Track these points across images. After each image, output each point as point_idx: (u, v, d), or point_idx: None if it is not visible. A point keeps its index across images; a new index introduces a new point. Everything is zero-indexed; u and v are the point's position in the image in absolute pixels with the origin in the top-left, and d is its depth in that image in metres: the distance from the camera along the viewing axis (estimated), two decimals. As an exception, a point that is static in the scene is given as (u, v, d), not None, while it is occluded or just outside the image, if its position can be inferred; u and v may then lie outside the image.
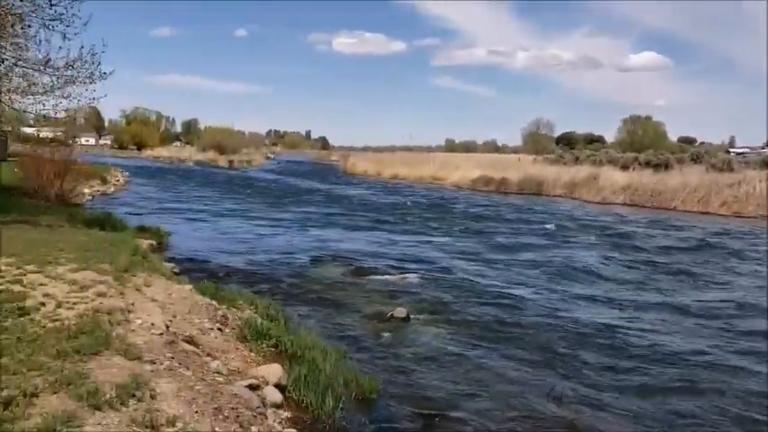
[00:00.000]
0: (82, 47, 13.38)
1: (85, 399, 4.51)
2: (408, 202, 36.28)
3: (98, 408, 4.47)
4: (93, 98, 14.18)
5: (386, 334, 9.95)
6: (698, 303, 12.89)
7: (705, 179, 37.30)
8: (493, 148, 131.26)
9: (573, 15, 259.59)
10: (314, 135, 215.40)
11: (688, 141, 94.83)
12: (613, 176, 42.31)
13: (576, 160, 54.54)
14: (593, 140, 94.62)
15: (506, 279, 14.67)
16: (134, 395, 4.81)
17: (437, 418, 6.88)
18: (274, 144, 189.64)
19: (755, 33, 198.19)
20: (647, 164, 46.15)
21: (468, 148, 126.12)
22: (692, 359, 9.30)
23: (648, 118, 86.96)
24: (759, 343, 10.20)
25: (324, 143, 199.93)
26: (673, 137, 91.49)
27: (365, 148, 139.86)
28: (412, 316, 10.85)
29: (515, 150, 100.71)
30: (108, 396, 4.63)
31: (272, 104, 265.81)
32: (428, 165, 62.25)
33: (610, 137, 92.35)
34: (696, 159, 47.59)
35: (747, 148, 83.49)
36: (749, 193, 33.69)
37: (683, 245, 21.46)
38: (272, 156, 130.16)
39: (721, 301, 13.18)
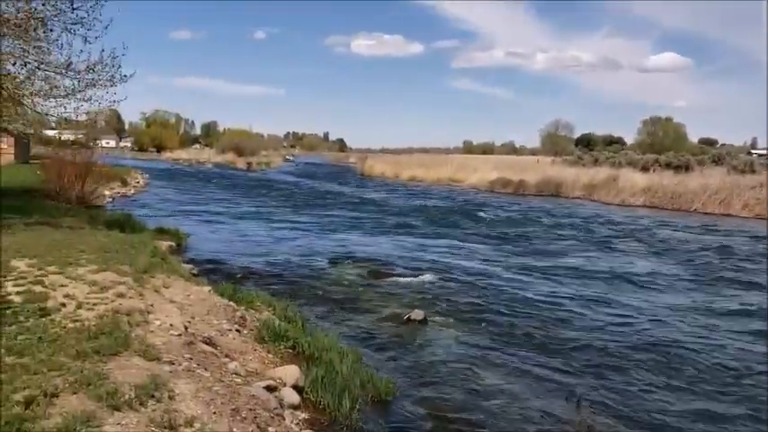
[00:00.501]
0: (103, 50, 13.57)
1: (105, 399, 4.54)
2: (427, 205, 36.19)
3: (117, 408, 4.50)
4: (114, 101, 14.37)
5: (403, 336, 9.94)
6: (740, 308, 12.70)
7: (726, 181, 36.85)
8: (511, 149, 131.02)
9: (592, 16, 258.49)
10: (332, 137, 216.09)
11: (709, 143, 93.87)
12: (633, 178, 41.91)
13: (596, 162, 54.21)
14: (613, 142, 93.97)
15: (529, 284, 14.56)
16: (153, 396, 4.85)
17: (453, 422, 6.86)
18: (292, 146, 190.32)
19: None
20: (668, 165, 45.80)
21: (486, 149, 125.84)
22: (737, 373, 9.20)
23: (669, 119, 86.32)
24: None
25: (341, 145, 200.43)
26: (693, 138, 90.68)
27: (383, 150, 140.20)
28: (430, 319, 10.83)
29: (533, 152, 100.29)
30: (127, 396, 4.67)
31: (290, 106, 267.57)
32: (446, 167, 62.03)
33: (630, 138, 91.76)
34: (717, 161, 47.19)
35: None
36: (772, 195, 33.21)
37: (718, 247, 21.19)
38: (291, 158, 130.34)
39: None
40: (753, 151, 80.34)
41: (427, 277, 14.37)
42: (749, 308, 12.73)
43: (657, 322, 11.37)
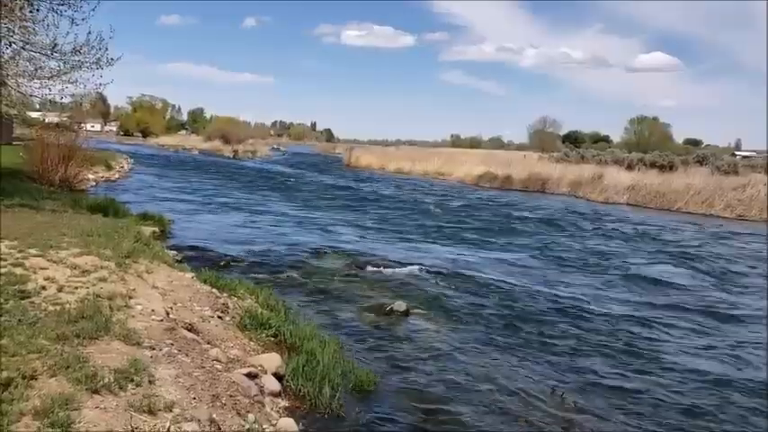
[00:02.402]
0: (89, 32, 13.37)
1: (84, 382, 4.53)
2: (412, 198, 36.25)
3: (96, 391, 4.49)
4: (100, 84, 14.18)
5: (385, 327, 9.97)
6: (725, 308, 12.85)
7: (710, 181, 37.24)
8: (498, 144, 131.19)
9: (583, 14, 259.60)
10: (319, 127, 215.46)
11: (694, 143, 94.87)
12: (618, 176, 42.24)
13: (582, 159, 54.54)
14: (600, 140, 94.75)
15: (512, 276, 14.61)
16: (132, 380, 4.84)
17: (433, 412, 6.91)
18: (279, 135, 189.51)
19: (765, 35, 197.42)
20: (652, 165, 46.12)
21: (474, 144, 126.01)
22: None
23: (655, 119, 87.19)
24: None
25: (329, 135, 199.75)
26: (679, 138, 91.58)
27: (370, 142, 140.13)
28: (412, 310, 10.86)
29: (521, 148, 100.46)
30: (106, 380, 4.66)
31: (278, 95, 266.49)
32: (432, 160, 62.12)
33: (616, 137, 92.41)
34: (701, 161, 47.59)
35: (754, 151, 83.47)
36: (753, 196, 33.61)
37: (699, 243, 21.41)
38: (281, 148, 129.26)
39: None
40: (736, 153, 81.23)
41: (410, 269, 14.39)
42: (737, 308, 12.90)
43: (644, 319, 11.46)
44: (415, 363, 8.45)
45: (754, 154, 72.67)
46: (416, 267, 14.59)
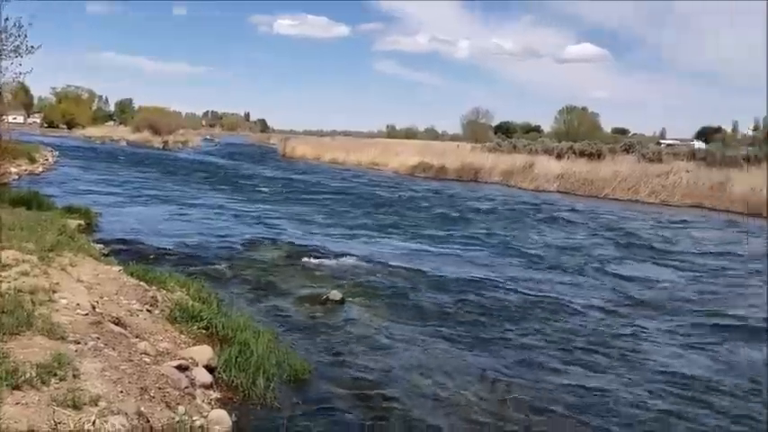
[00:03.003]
0: (6, 19, 12.88)
1: (4, 378, 4.39)
2: (347, 188, 36.26)
3: (17, 387, 4.37)
4: (20, 73, 13.68)
5: (320, 316, 9.97)
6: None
7: (636, 169, 38.54)
8: (433, 135, 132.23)
9: (516, 5, 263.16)
10: (253, 117, 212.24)
11: (621, 132, 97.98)
12: (548, 165, 43.25)
13: (514, 149, 55.45)
14: (531, 130, 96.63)
15: (447, 265, 14.79)
16: (56, 374, 4.72)
17: (368, 399, 6.95)
18: (212, 125, 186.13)
19: (688, 30, 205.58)
20: (582, 153, 47.28)
21: (409, 135, 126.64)
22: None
23: (584, 109, 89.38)
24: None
25: (263, 126, 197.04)
26: (608, 128, 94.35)
27: (306, 132, 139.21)
28: (347, 299, 10.87)
29: (455, 138, 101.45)
30: (28, 375, 4.53)
31: (210, 85, 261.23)
32: (368, 150, 62.21)
33: (547, 127, 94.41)
34: (628, 150, 49.04)
35: (678, 139, 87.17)
36: (676, 182, 35.00)
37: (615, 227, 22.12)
38: (212, 138, 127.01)
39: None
40: (661, 141, 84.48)
41: (345, 260, 14.40)
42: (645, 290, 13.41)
43: (576, 305, 11.78)
44: (350, 351, 8.48)
45: (677, 142, 75.70)
46: (352, 258, 14.60)
